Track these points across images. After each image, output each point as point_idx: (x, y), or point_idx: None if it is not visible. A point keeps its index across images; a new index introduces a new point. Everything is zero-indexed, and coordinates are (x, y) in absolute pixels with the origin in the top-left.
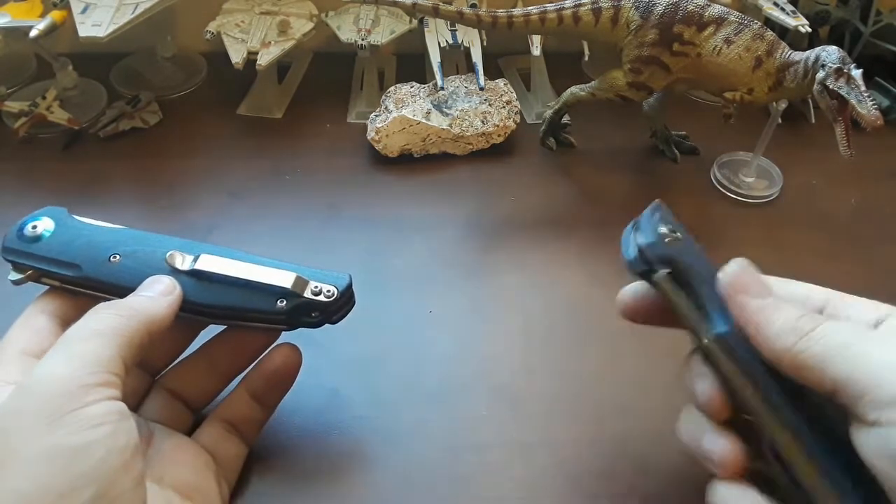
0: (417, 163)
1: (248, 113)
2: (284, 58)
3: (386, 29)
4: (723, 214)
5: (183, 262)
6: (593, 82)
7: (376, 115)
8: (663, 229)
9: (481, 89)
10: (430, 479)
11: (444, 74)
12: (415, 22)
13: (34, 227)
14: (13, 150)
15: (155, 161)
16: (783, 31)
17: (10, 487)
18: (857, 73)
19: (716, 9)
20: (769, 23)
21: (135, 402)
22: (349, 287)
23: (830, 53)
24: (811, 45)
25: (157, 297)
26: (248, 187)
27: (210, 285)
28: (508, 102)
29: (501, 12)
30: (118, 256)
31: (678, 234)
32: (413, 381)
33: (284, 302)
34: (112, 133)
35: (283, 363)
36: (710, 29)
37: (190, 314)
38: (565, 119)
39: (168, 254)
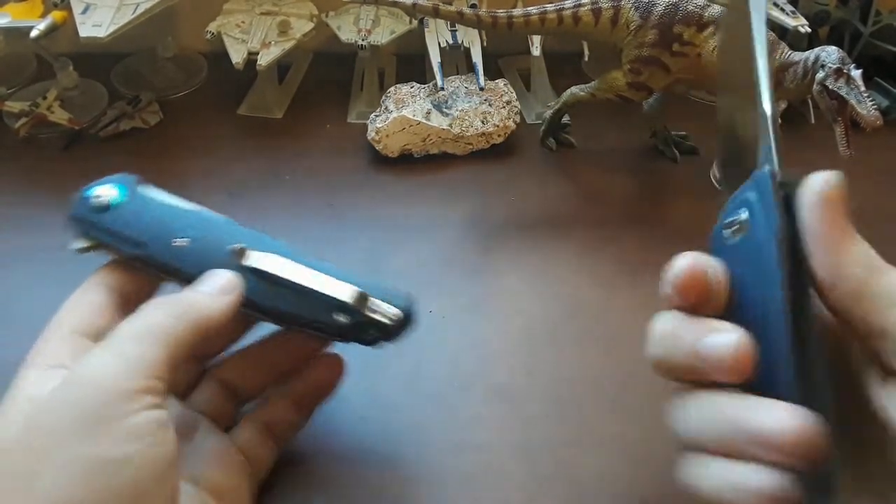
0: (417, 163)
1: (249, 113)
2: (285, 58)
3: (386, 29)
4: None
5: (247, 258)
6: (593, 83)
7: (376, 116)
8: None
9: (481, 89)
10: (430, 479)
11: (444, 74)
12: (415, 22)
13: (101, 195)
14: (14, 150)
15: (155, 161)
16: (783, 32)
17: (41, 495)
18: (856, 74)
19: (716, 9)
20: (769, 23)
21: (185, 390)
22: (411, 309)
23: (830, 54)
24: (811, 46)
25: (215, 294)
26: (248, 187)
27: (271, 287)
28: (508, 102)
29: (501, 13)
30: (185, 240)
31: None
32: (413, 381)
33: (343, 316)
34: (112, 133)
35: (327, 372)
36: (710, 29)
37: (246, 310)
38: (565, 119)
39: (234, 246)
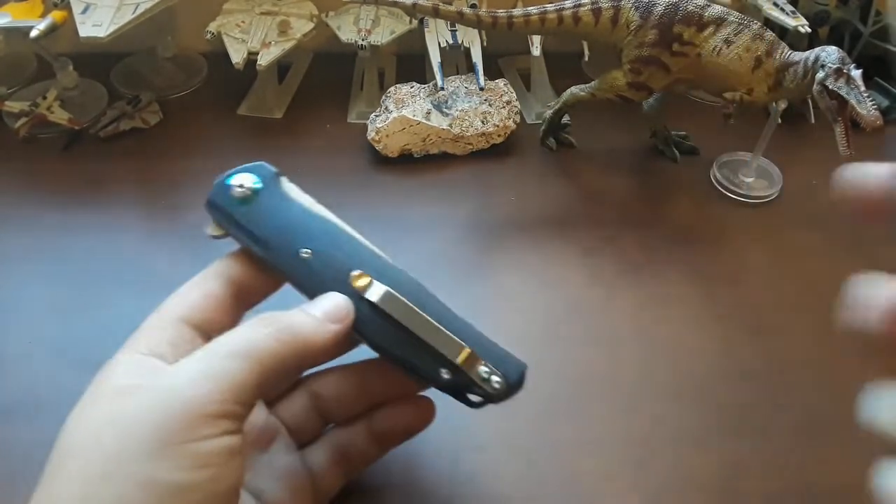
0: (417, 163)
1: (249, 113)
2: (285, 58)
3: (386, 29)
4: (722, 214)
5: (367, 289)
6: (593, 82)
7: (376, 116)
8: None
9: (481, 89)
10: (429, 479)
11: (444, 74)
12: (415, 22)
13: (240, 185)
14: (14, 150)
15: (155, 161)
16: (783, 32)
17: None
18: (856, 74)
19: (715, 9)
20: (769, 23)
21: (276, 397)
22: (521, 381)
23: (830, 54)
24: (811, 46)
25: (323, 322)
26: None
27: (383, 323)
28: (508, 102)
29: (501, 12)
30: (308, 252)
31: None
32: None
33: (449, 374)
34: (112, 133)
35: (416, 416)
36: (710, 29)
37: (353, 335)
38: (565, 119)
39: (355, 273)
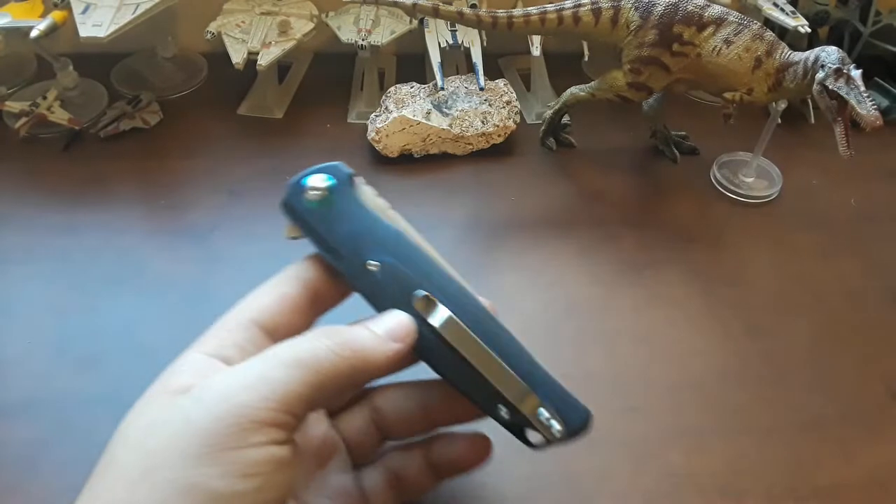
0: (417, 163)
1: (249, 113)
2: (285, 58)
3: (386, 29)
4: (723, 214)
5: (433, 313)
6: (593, 83)
7: (376, 116)
8: None
9: (481, 89)
10: None
11: (444, 75)
12: (415, 22)
13: (314, 188)
14: (14, 150)
15: (155, 161)
16: (782, 32)
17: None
18: (856, 74)
19: (715, 9)
20: (769, 23)
21: (339, 409)
22: (584, 428)
23: (830, 54)
24: (810, 46)
25: (384, 340)
26: (248, 187)
27: (445, 350)
28: (508, 102)
29: (501, 13)
30: (376, 265)
31: None
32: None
33: (508, 413)
34: (113, 133)
35: (472, 453)
36: (710, 29)
37: (414, 354)
38: (565, 119)
39: (421, 294)
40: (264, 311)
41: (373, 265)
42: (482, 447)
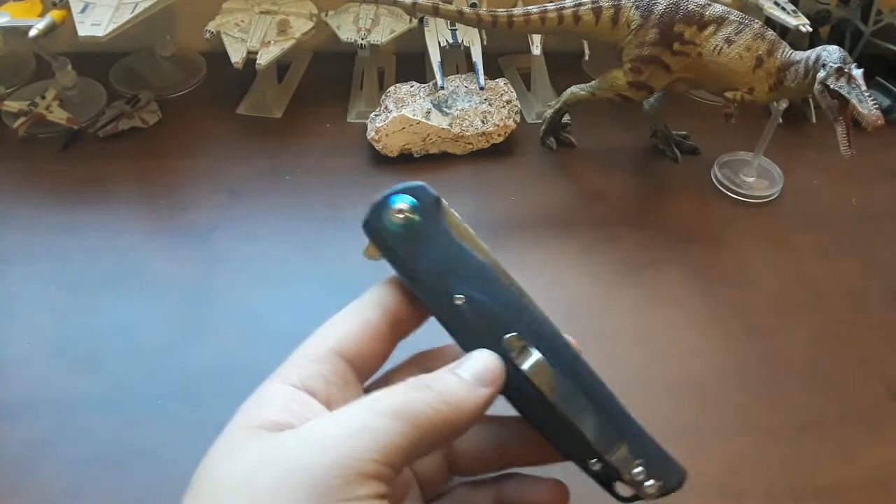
0: (417, 163)
1: (248, 112)
2: (284, 57)
3: (386, 28)
4: (723, 214)
5: (524, 359)
6: (594, 82)
7: (376, 115)
8: None
9: (481, 89)
10: None
11: (444, 74)
12: (415, 21)
13: (399, 210)
14: (12, 149)
15: (154, 161)
16: (784, 31)
17: None
18: (857, 73)
19: (717, 8)
20: (770, 22)
21: None
22: (677, 487)
23: (831, 53)
24: (812, 45)
25: (474, 385)
26: (248, 187)
27: (535, 396)
28: (508, 102)
29: (501, 12)
30: (462, 298)
31: None
32: None
33: (598, 464)
34: (111, 133)
35: (547, 497)
36: (711, 28)
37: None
38: (565, 119)
39: (511, 336)
40: (346, 339)
41: (459, 299)
42: (560, 495)
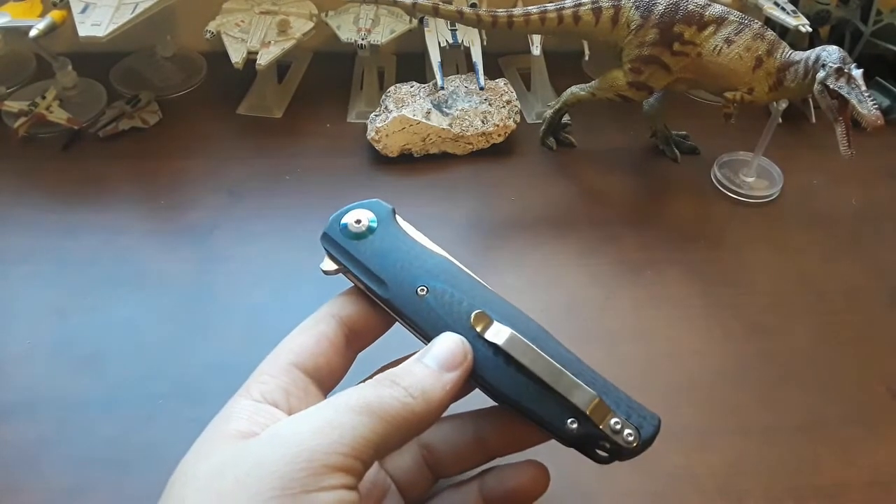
0: (417, 163)
1: (248, 113)
2: (284, 57)
3: (386, 28)
4: (723, 214)
5: (489, 330)
6: (593, 82)
7: (376, 115)
8: None
9: (481, 89)
10: None
11: (444, 74)
12: (415, 21)
13: (358, 221)
14: (13, 149)
15: (155, 161)
16: (783, 31)
17: None
18: (857, 73)
19: (716, 8)
20: (770, 22)
21: None
22: (655, 435)
23: (831, 53)
24: (811, 45)
25: (439, 372)
26: (248, 187)
27: (505, 368)
28: (508, 102)
29: (501, 12)
30: (425, 290)
31: None
32: None
33: (576, 424)
34: (112, 133)
35: (528, 480)
36: (711, 28)
37: (470, 381)
38: (565, 119)
39: (475, 313)
40: (303, 352)
41: (422, 290)
42: (541, 475)
